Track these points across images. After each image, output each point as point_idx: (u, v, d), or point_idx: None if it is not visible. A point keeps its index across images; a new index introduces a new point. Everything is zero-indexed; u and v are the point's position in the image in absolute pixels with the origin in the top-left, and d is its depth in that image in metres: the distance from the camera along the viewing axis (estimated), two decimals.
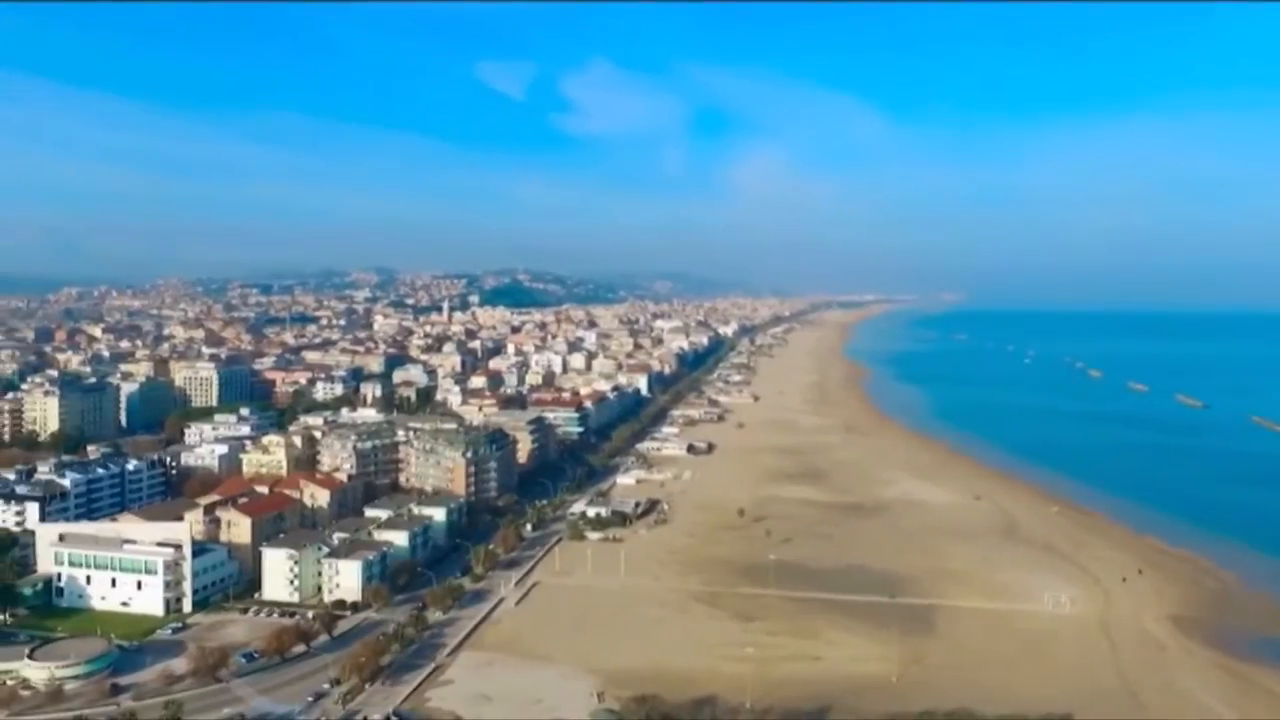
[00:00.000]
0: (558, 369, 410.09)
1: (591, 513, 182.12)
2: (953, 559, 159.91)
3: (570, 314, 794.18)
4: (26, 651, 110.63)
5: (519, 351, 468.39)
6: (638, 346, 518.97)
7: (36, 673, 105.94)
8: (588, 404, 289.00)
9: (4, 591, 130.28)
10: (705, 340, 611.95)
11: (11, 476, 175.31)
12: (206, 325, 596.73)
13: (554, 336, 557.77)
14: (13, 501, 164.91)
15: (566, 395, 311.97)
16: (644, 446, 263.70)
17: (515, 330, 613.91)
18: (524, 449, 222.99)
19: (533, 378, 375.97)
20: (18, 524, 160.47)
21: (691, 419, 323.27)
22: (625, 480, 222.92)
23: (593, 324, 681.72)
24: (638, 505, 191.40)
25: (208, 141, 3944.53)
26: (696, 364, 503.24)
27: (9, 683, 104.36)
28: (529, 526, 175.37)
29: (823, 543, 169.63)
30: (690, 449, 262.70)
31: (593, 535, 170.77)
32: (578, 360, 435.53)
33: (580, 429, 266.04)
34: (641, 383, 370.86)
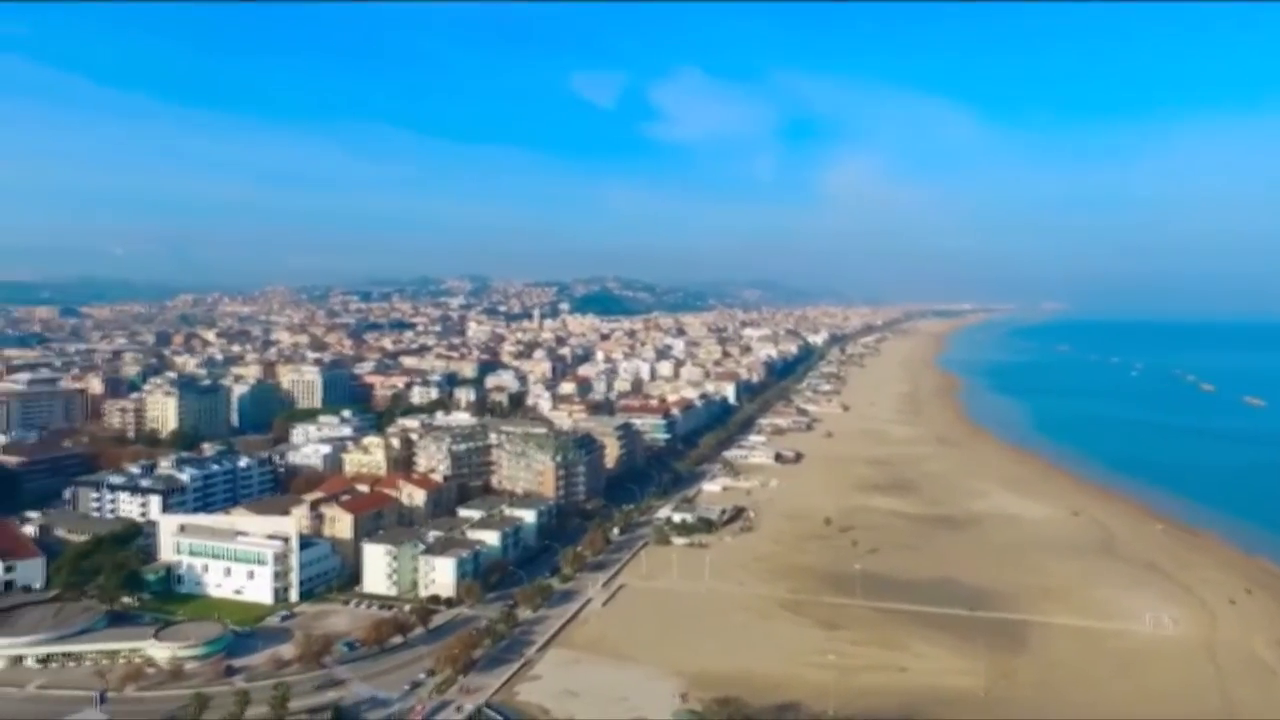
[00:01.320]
0: (646, 376, 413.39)
1: (677, 518, 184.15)
2: (1047, 575, 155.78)
3: (659, 322, 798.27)
4: (152, 632, 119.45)
5: (608, 359, 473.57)
6: (726, 354, 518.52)
7: (161, 652, 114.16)
8: (675, 411, 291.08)
9: (131, 577, 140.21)
10: (794, 349, 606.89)
11: (136, 471, 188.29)
12: (310, 331, 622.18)
13: (642, 344, 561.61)
14: (138, 494, 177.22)
15: (654, 402, 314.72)
16: (731, 454, 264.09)
17: (604, 338, 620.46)
18: (612, 454, 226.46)
19: (621, 385, 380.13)
20: (142, 515, 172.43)
21: (779, 428, 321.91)
22: (711, 487, 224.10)
23: (681, 332, 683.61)
24: (724, 512, 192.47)
25: (312, 155, 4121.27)
26: (785, 373, 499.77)
27: (136, 660, 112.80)
28: (616, 530, 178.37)
29: (911, 554, 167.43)
30: (778, 457, 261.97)
31: (678, 540, 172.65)
32: (665, 368, 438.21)
33: (667, 436, 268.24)
34: (729, 391, 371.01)
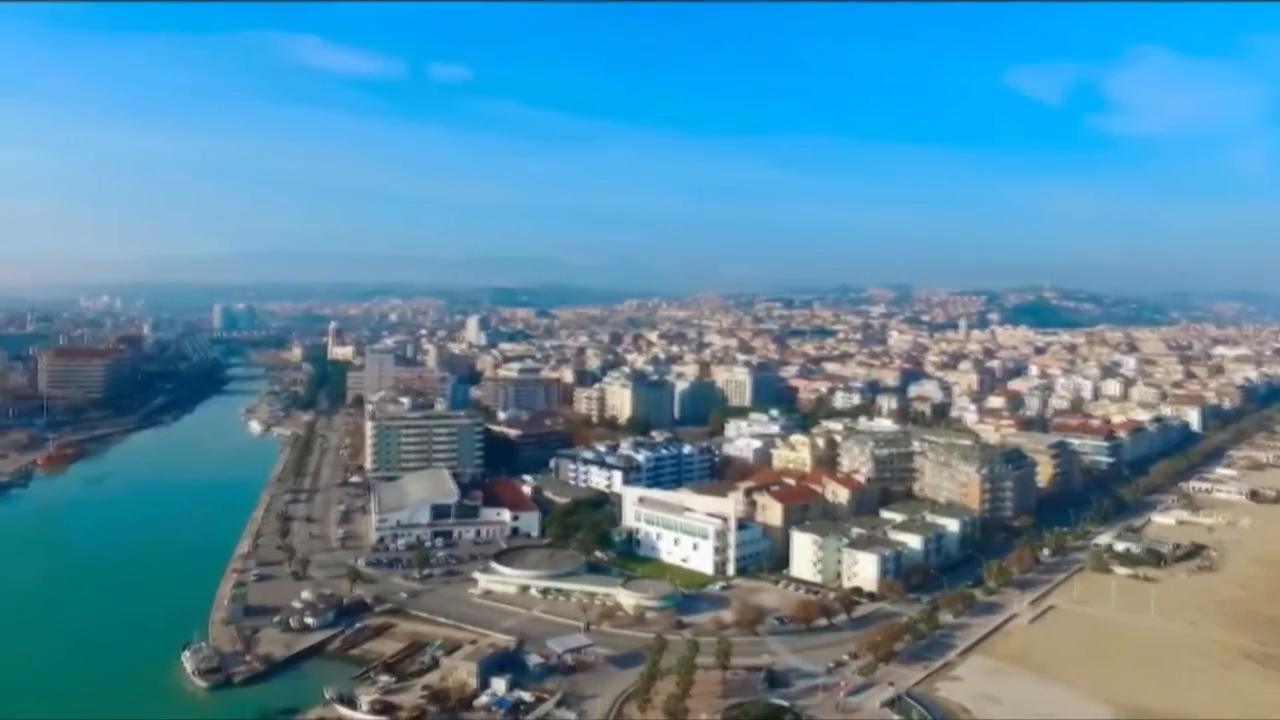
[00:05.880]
0: (1087, 395, 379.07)
1: (1120, 547, 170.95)
2: None
3: (1105, 336, 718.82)
4: (620, 583, 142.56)
5: (1043, 374, 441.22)
6: (1189, 375, 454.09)
7: (627, 599, 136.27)
8: (1120, 433, 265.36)
9: (602, 536, 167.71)
10: None
11: (602, 449, 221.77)
12: (738, 335, 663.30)
13: (1084, 360, 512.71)
14: (604, 469, 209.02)
15: (1095, 423, 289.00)
16: (1190, 486, 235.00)
17: (1039, 351, 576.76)
18: (1044, 473, 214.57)
19: (1057, 402, 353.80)
20: (607, 486, 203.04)
21: (1257, 462, 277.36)
22: (1163, 519, 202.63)
23: (1132, 348, 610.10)
24: (1177, 547, 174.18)
25: (740, 169, 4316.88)
26: (1270, 399, 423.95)
27: (609, 603, 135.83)
28: (1046, 550, 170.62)
29: None
30: (1253, 495, 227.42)
31: (1119, 570, 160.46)
32: (1112, 386, 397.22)
33: (1110, 459, 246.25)
34: (1191, 416, 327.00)
